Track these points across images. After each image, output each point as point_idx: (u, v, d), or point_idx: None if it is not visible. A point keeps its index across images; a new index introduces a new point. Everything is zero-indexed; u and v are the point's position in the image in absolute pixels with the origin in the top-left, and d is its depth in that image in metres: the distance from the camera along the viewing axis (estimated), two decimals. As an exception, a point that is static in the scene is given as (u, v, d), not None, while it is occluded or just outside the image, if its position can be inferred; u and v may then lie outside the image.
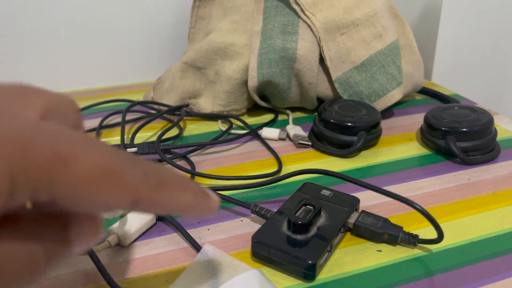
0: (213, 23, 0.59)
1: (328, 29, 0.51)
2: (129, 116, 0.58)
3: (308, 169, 0.36)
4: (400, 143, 0.49)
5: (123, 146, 0.45)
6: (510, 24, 0.70)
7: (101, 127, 0.53)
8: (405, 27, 0.57)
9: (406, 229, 0.36)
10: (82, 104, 0.62)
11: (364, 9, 0.52)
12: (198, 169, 0.45)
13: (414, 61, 0.56)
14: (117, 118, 0.58)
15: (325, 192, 0.37)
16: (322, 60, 0.53)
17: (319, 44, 0.52)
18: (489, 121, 0.45)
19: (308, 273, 0.31)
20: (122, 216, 0.37)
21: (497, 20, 0.69)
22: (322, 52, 0.52)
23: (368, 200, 0.40)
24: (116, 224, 0.35)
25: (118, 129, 0.55)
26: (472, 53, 0.70)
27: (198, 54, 0.56)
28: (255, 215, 0.37)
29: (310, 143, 0.49)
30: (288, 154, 0.48)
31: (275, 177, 0.38)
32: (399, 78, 0.53)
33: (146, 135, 0.53)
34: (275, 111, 0.58)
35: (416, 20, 0.71)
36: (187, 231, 0.36)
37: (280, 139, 0.51)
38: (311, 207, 0.35)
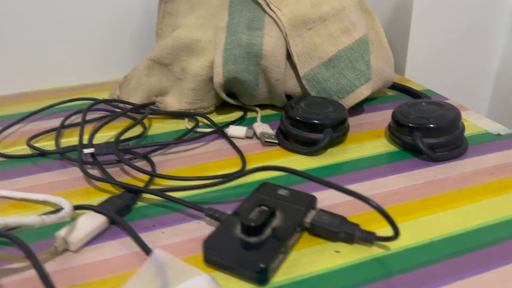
0: (180, 19, 0.58)
1: (295, 24, 0.50)
2: (93, 115, 0.56)
3: (263, 166, 0.35)
4: (368, 140, 0.48)
5: (81, 146, 0.43)
6: (482, 20, 0.69)
7: (62, 126, 0.52)
8: (375, 22, 0.56)
9: (366, 228, 0.35)
10: (46, 103, 0.60)
11: (331, 4, 0.51)
12: (159, 170, 0.44)
13: (384, 56, 0.55)
14: (81, 118, 0.56)
15: (282, 192, 0.36)
16: (289, 56, 0.52)
17: (285, 40, 0.51)
18: (456, 116, 0.44)
19: (261, 276, 0.29)
20: (73, 218, 0.36)
21: (469, 16, 0.68)
22: (289, 47, 0.51)
23: (330, 199, 0.39)
24: (64, 229, 0.34)
25: (79, 129, 0.53)
26: (445, 49, 0.69)
27: (164, 50, 0.54)
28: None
29: (276, 141, 0.48)
30: (254, 152, 0.47)
31: (231, 176, 0.37)
32: (368, 74, 0.52)
33: (109, 134, 0.51)
34: (244, 109, 0.57)
35: (388, 16, 0.70)
36: (141, 234, 0.35)
37: (247, 137, 0.50)
38: (266, 208, 0.33)
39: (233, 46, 0.50)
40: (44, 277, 0.29)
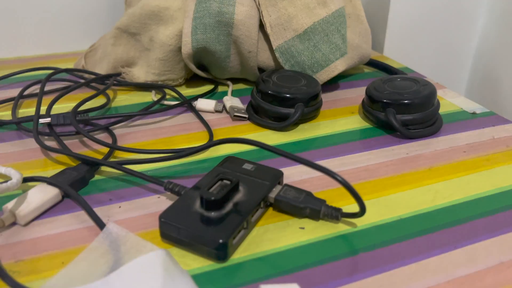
0: (149, -14, 0.55)
1: (269, -7, 0.48)
2: (54, 86, 0.53)
3: (227, 138, 0.33)
4: (341, 117, 0.47)
5: (37, 117, 0.41)
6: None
7: (20, 96, 0.49)
8: (352, -6, 0.54)
9: (333, 205, 0.33)
10: (6, 71, 0.57)
11: (307, -27, 0.49)
12: (122, 143, 0.42)
13: (361, 31, 0.53)
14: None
15: (247, 166, 0.34)
16: (262, 27, 0.50)
17: (258, 9, 0.48)
18: (431, 93, 0.43)
19: (220, 253, 0.28)
20: (24, 191, 0.33)
21: (451, -7, 0.67)
22: (262, 18, 0.49)
23: (297, 174, 0.37)
24: (13, 201, 0.32)
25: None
26: (425, 27, 0.68)
27: (131, 19, 0.51)
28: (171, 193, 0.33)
29: (246, 116, 0.46)
30: (223, 127, 0.45)
31: (193, 149, 0.35)
32: (344, 48, 0.50)
33: (70, 106, 0.49)
34: (216, 82, 0.54)
35: (369, -9, 0.68)
36: (96, 209, 0.33)
37: (216, 111, 0.48)
38: (228, 182, 0.32)
39: (202, 14, 0.47)
40: (-16, 251, 0.27)
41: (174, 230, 0.29)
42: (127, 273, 0.26)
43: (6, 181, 0.34)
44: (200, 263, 0.28)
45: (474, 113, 0.47)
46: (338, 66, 0.50)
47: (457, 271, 0.28)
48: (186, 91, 0.52)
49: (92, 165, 0.36)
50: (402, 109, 0.42)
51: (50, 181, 0.33)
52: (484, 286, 0.27)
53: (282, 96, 0.44)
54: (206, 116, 0.47)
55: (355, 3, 0.54)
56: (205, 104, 0.48)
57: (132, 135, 0.43)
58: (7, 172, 0.34)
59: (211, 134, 0.43)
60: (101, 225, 0.31)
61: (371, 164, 0.39)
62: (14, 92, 0.52)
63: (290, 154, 0.30)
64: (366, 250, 0.29)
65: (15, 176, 0.32)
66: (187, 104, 0.48)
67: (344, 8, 0.51)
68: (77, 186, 0.35)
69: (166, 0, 0.50)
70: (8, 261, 0.28)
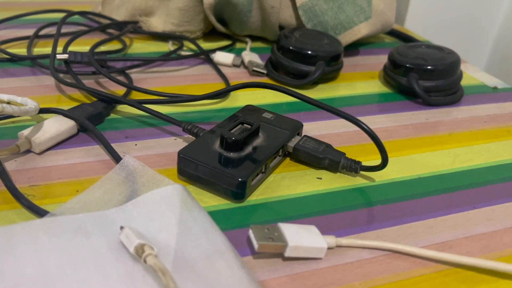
0: None
1: None
2: (69, 29, 0.52)
3: (252, 82, 0.32)
4: (360, 80, 0.46)
5: (54, 53, 0.40)
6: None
7: (35, 36, 0.48)
8: (381, -41, 0.52)
9: (352, 159, 0.33)
10: (20, 12, 0.56)
11: None
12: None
13: (386, -3, 0.52)
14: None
15: (267, 115, 0.34)
16: (287, -16, 0.49)
17: (285, -36, 0.47)
18: (455, 61, 0.42)
19: (237, 192, 0.27)
20: (39, 122, 0.33)
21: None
22: (288, -27, 0.47)
23: (316, 129, 0.37)
24: (29, 129, 0.31)
25: (52, 40, 0.49)
26: (448, 2, 0.66)
27: (153, -34, 0.50)
28: (189, 135, 0.33)
29: (265, 71, 0.45)
30: (240, 80, 0.44)
31: (214, 92, 0.34)
32: (368, 11, 0.49)
33: (85, 49, 0.48)
34: (234, 39, 0.53)
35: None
36: (112, 145, 0.33)
37: (234, 65, 0.47)
38: (249, 126, 0.31)
39: (228, -36, 0.46)
40: (1, 170, 0.27)
41: (192, 167, 0.28)
42: (144, 203, 0.26)
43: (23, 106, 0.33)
44: (217, 201, 0.28)
45: (495, 88, 0.47)
46: (361, 30, 0.49)
47: (475, 228, 0.28)
48: (203, 45, 0.51)
49: (109, 102, 0.36)
50: (425, 75, 0.42)
51: (66, 113, 0.33)
52: (502, 244, 0.26)
53: (303, 52, 0.43)
54: (223, 70, 0.46)
55: (383, -32, 0.52)
56: (223, 57, 0.47)
57: (148, 81, 0.42)
58: (23, 101, 0.33)
59: (228, 86, 0.42)
60: (117, 158, 0.30)
61: (390, 126, 0.38)
62: (28, 32, 0.51)
63: (320, 102, 0.30)
64: (384, 203, 0.29)
65: (32, 104, 0.31)
66: (205, 56, 0.47)
67: (372, -29, 0.50)
68: (93, 122, 0.34)
69: None
70: (22, 185, 0.28)
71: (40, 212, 0.26)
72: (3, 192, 0.27)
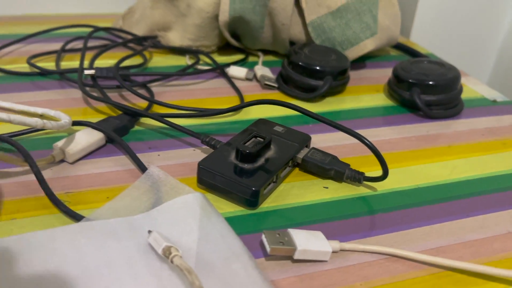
0: (190, -46, 0.57)
1: (307, -32, 0.49)
2: (93, 43, 0.55)
3: (263, 99, 0.35)
4: (366, 93, 0.49)
5: (81, 68, 0.43)
6: (495, -10, 0.69)
7: (62, 50, 0.51)
8: (387, -23, 0.55)
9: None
10: (47, 27, 0.60)
11: (346, -48, 0.50)
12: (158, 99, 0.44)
13: (391, 13, 0.55)
14: (81, 44, 0.55)
15: (277, 128, 0.37)
16: (297, 2, 0.52)
17: (295, -16, 0.50)
18: (456, 76, 0.45)
19: (251, 200, 0.30)
20: (70, 134, 0.36)
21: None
22: (298, -8, 0.50)
23: (323, 141, 0.40)
24: (62, 141, 0.34)
25: (79, 54, 0.52)
26: (453, 15, 0.69)
27: (171, -16, 0.53)
28: (207, 146, 0.36)
29: (276, 85, 0.48)
30: (253, 94, 0.47)
31: (230, 107, 0.37)
32: (374, 28, 0.52)
33: (108, 62, 0.51)
34: (246, 53, 0.56)
35: (402, -24, 0.69)
36: (137, 154, 0.36)
37: (247, 79, 0.50)
38: (261, 139, 0.34)
39: (242, -16, 0.49)
40: (41, 179, 0.30)
41: (210, 176, 0.31)
42: (168, 210, 0.29)
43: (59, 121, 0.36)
44: (233, 208, 0.31)
45: (494, 101, 0.49)
46: (367, 45, 0.51)
47: (467, 235, 0.30)
48: (218, 59, 0.54)
49: (134, 115, 0.39)
50: (426, 89, 0.44)
51: (95, 126, 0.36)
52: (492, 250, 0.29)
53: (312, 68, 0.46)
54: (236, 83, 0.49)
55: (389, -14, 0.55)
56: (237, 71, 0.50)
57: (167, 94, 0.45)
58: (57, 115, 0.36)
59: (242, 99, 0.45)
60: (142, 167, 0.33)
61: (393, 138, 0.41)
62: (54, 46, 0.54)
63: (323, 117, 0.33)
64: (384, 211, 0.32)
65: (66, 118, 0.35)
66: (220, 70, 0.50)
67: (378, -11, 0.53)
68: (119, 134, 0.37)
69: (207, -32, 0.52)
70: (58, 192, 0.31)
71: (76, 217, 0.29)
72: (42, 198, 0.31)
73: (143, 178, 0.32)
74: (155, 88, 0.46)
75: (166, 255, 0.25)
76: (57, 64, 0.49)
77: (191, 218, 0.28)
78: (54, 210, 0.30)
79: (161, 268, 0.25)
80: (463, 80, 0.54)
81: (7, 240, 0.25)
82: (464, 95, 0.50)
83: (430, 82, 0.44)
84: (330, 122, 0.33)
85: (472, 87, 0.52)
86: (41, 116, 0.39)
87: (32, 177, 0.32)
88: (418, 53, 0.58)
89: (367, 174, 0.36)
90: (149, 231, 0.26)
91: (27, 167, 0.33)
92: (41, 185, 0.30)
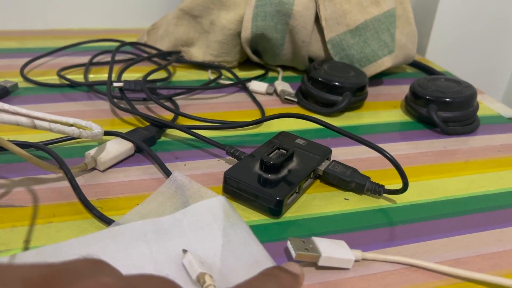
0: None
1: (327, -12, 0.51)
2: (119, 57, 0.58)
3: (288, 113, 0.36)
4: (384, 109, 0.50)
5: (110, 80, 0.45)
6: (508, 8, 0.70)
7: (90, 63, 0.53)
8: (404, -3, 0.57)
9: (375, 183, 0.37)
10: (74, 41, 0.62)
11: (365, -27, 0.52)
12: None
13: (408, 32, 0.56)
14: (108, 58, 0.58)
15: (299, 141, 0.38)
16: (317, 20, 0.53)
17: (316, 3, 0.52)
18: (472, 94, 0.46)
19: (275, 209, 0.32)
20: (101, 143, 0.38)
21: (496, 3, 0.69)
22: (318, 11, 0.52)
23: (343, 155, 0.41)
24: (94, 149, 0.36)
25: (106, 68, 0.55)
26: (468, 34, 0.70)
27: (195, 2, 0.56)
28: (231, 157, 0.37)
29: (296, 100, 0.49)
30: (273, 108, 0.49)
31: (254, 120, 0.39)
32: (391, 46, 0.53)
33: (134, 76, 0.53)
34: (266, 68, 0.58)
35: (417, -4, 0.71)
36: (164, 164, 0.37)
37: (268, 93, 0.52)
38: (284, 151, 0.35)
39: (264, 2, 0.51)
40: (75, 186, 0.32)
41: (236, 186, 0.33)
42: (192, 213, 0.30)
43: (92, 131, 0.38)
44: (257, 217, 0.32)
45: (510, 119, 0.50)
46: (385, 62, 0.53)
47: (486, 248, 0.31)
48: (239, 73, 0.56)
49: (161, 127, 0.40)
50: (443, 106, 0.45)
51: (125, 136, 0.38)
52: (510, 262, 0.30)
53: (332, 84, 0.47)
54: (257, 97, 0.51)
55: (406, 6, 0.56)
56: (257, 86, 0.51)
57: (191, 107, 0.47)
58: (88, 125, 0.38)
59: (263, 113, 0.47)
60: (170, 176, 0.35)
61: (411, 153, 0.42)
62: (82, 59, 0.57)
63: (344, 131, 0.34)
64: (404, 223, 0.33)
65: (98, 128, 0.36)
66: (241, 85, 0.52)
67: (395, 9, 0.54)
68: (147, 144, 0.39)
69: (230, -13, 0.54)
70: (91, 198, 0.33)
71: (108, 222, 0.30)
72: (76, 204, 0.32)
73: (168, 183, 0.33)
74: (180, 101, 0.48)
75: (200, 283, 0.25)
76: (85, 77, 0.51)
77: (215, 223, 0.29)
78: (87, 215, 0.31)
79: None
80: (479, 98, 0.55)
81: (43, 249, 0.27)
82: (480, 113, 0.51)
83: (447, 99, 0.45)
84: (353, 136, 0.34)
85: (488, 105, 0.53)
86: (72, 126, 0.41)
87: (65, 183, 0.34)
88: (434, 71, 0.59)
89: (387, 187, 0.37)
90: (184, 250, 0.27)
91: (61, 174, 0.35)
92: (75, 191, 0.32)
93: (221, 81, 0.53)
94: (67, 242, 0.27)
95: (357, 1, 0.52)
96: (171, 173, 0.35)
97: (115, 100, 0.47)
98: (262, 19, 0.51)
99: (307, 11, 0.51)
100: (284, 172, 0.34)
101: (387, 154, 0.32)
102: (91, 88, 0.48)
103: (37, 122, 0.29)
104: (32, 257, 0.26)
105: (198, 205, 0.30)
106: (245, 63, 0.59)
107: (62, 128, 0.31)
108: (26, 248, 0.28)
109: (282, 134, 0.39)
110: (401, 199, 0.35)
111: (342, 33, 0.52)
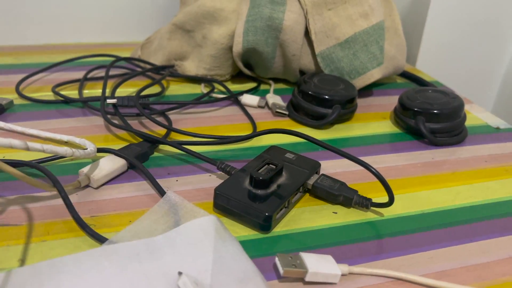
0: (205, -12, 0.60)
1: (316, 3, 0.52)
2: (113, 72, 0.58)
3: (275, 129, 0.37)
4: (373, 121, 0.51)
5: (104, 97, 0.46)
6: (496, 18, 0.71)
7: (85, 78, 0.54)
8: (392, 9, 0.58)
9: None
10: (69, 56, 0.63)
11: (353, -13, 0.53)
12: (175, 127, 0.47)
13: (397, 44, 0.57)
14: (102, 73, 0.59)
15: (289, 155, 0.39)
16: (307, 33, 0.54)
17: (305, 17, 0.53)
18: (460, 105, 0.47)
19: (264, 224, 0.32)
20: (94, 160, 0.38)
21: (484, 13, 0.70)
22: (308, 25, 0.53)
23: (332, 168, 0.41)
24: (87, 167, 0.37)
25: (101, 83, 0.56)
26: (458, 43, 0.71)
27: (187, 16, 0.56)
28: (222, 172, 0.38)
29: (287, 113, 0.50)
30: (265, 121, 0.50)
31: (245, 136, 0.39)
32: (380, 58, 0.54)
33: (128, 90, 0.54)
34: (258, 81, 0.59)
35: (406, 5, 0.72)
36: (157, 180, 0.38)
37: (259, 106, 0.52)
38: (274, 166, 0.36)
39: (255, 18, 0.52)
40: (69, 204, 0.32)
41: (226, 202, 0.33)
42: (185, 232, 0.31)
43: (85, 149, 0.39)
44: (246, 232, 0.33)
45: (498, 128, 0.51)
46: (374, 74, 0.54)
47: (471, 260, 0.32)
48: (231, 87, 0.57)
49: (154, 142, 0.41)
50: (431, 118, 0.46)
51: (118, 153, 0.38)
52: (493, 274, 0.31)
53: (321, 97, 0.48)
54: (249, 110, 0.52)
55: (394, 18, 0.58)
56: (249, 99, 0.52)
57: (184, 121, 0.48)
58: (82, 142, 0.39)
59: (254, 126, 0.48)
60: (162, 192, 0.35)
61: (399, 164, 0.43)
62: (76, 75, 0.57)
63: (331, 146, 0.35)
64: (391, 236, 0.34)
65: (91, 146, 0.37)
66: (234, 98, 0.52)
67: (384, 21, 0.55)
68: (140, 160, 0.40)
69: (222, 2, 0.55)
70: (84, 216, 0.33)
71: (101, 240, 0.31)
72: (69, 221, 0.33)
73: (161, 203, 0.34)
74: (173, 115, 0.49)
75: None
76: (80, 92, 0.51)
77: (207, 240, 0.30)
78: (80, 233, 0.32)
79: None
80: (467, 107, 0.56)
81: (39, 265, 0.27)
82: (468, 122, 0.52)
83: (435, 111, 0.46)
84: (337, 150, 0.35)
85: (476, 114, 0.54)
86: (66, 143, 0.42)
87: (59, 201, 0.35)
88: (423, 81, 0.60)
89: (374, 200, 0.37)
90: (179, 273, 0.27)
91: (55, 192, 0.35)
92: (69, 209, 0.32)
93: (214, 95, 0.54)
94: (62, 259, 0.28)
95: (346, 14, 0.53)
96: (163, 190, 0.36)
97: (109, 116, 0.47)
98: (253, 34, 0.52)
99: (297, 25, 0.52)
100: (274, 187, 0.35)
101: (371, 169, 0.33)
102: (85, 104, 0.49)
103: (30, 144, 0.30)
104: (28, 273, 0.27)
105: (190, 223, 0.31)
106: (238, 76, 0.60)
107: (55, 149, 0.31)
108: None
109: (272, 149, 0.40)
110: (388, 212, 0.36)
111: (332, 46, 0.53)
